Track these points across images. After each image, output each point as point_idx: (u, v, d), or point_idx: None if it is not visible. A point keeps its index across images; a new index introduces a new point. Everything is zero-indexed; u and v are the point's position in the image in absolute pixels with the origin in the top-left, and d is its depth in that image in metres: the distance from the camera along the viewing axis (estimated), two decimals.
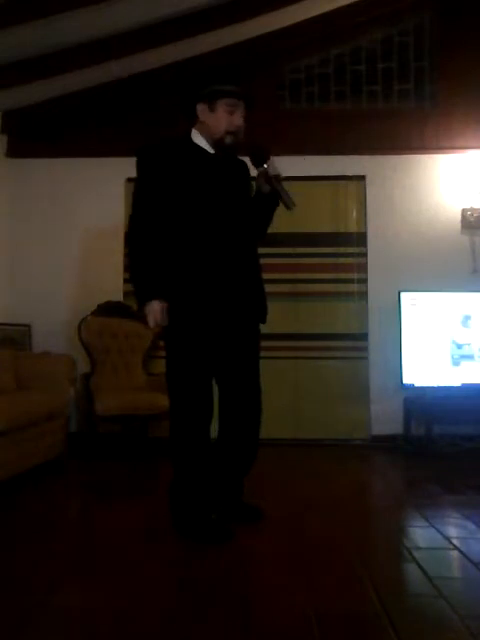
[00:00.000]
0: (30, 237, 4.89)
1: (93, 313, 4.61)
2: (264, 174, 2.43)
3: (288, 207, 2.37)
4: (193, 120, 2.46)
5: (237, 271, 2.42)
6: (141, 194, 2.44)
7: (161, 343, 4.61)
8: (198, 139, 2.45)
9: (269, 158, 2.42)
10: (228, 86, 2.39)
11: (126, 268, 4.86)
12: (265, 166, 2.42)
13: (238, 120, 2.39)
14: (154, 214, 2.39)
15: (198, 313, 2.38)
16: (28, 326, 4.77)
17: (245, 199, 2.52)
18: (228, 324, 2.44)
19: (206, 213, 2.39)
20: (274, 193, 2.43)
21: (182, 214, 2.39)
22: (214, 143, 2.43)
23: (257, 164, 2.45)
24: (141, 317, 4.86)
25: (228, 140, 2.40)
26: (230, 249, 2.41)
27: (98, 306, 4.64)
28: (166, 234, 2.40)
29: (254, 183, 2.55)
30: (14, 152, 4.87)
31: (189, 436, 2.39)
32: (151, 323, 2.36)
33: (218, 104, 2.38)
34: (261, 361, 2.60)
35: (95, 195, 4.89)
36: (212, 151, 2.45)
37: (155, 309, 2.35)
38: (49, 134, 4.89)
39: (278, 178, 2.41)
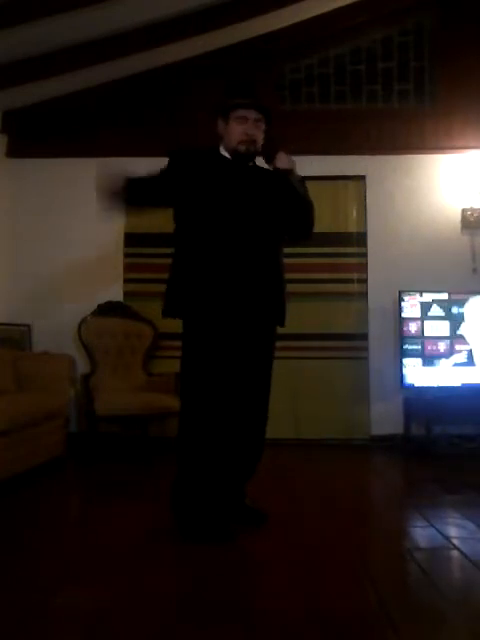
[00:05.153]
0: (30, 237, 4.88)
1: (93, 313, 4.62)
2: (277, 170, 2.51)
3: (303, 201, 2.51)
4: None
5: (255, 273, 2.45)
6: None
7: (162, 343, 4.66)
8: (223, 152, 2.58)
9: (276, 155, 2.47)
10: (238, 99, 2.54)
11: (126, 268, 4.88)
12: (274, 164, 2.48)
13: (250, 130, 2.49)
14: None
15: (217, 313, 2.41)
16: (28, 326, 4.77)
17: (267, 204, 2.54)
18: (245, 326, 2.47)
19: (223, 216, 2.45)
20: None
21: (200, 217, 2.46)
22: (231, 153, 2.54)
23: (268, 162, 2.53)
24: (141, 317, 4.88)
25: (241, 149, 2.50)
26: (247, 252, 2.44)
27: (98, 306, 4.65)
28: (185, 237, 2.48)
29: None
30: (14, 152, 4.87)
31: (198, 435, 2.39)
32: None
33: (230, 117, 2.51)
34: None
35: (95, 195, 4.87)
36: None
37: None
38: (49, 134, 4.88)
39: (288, 172, 2.48)
